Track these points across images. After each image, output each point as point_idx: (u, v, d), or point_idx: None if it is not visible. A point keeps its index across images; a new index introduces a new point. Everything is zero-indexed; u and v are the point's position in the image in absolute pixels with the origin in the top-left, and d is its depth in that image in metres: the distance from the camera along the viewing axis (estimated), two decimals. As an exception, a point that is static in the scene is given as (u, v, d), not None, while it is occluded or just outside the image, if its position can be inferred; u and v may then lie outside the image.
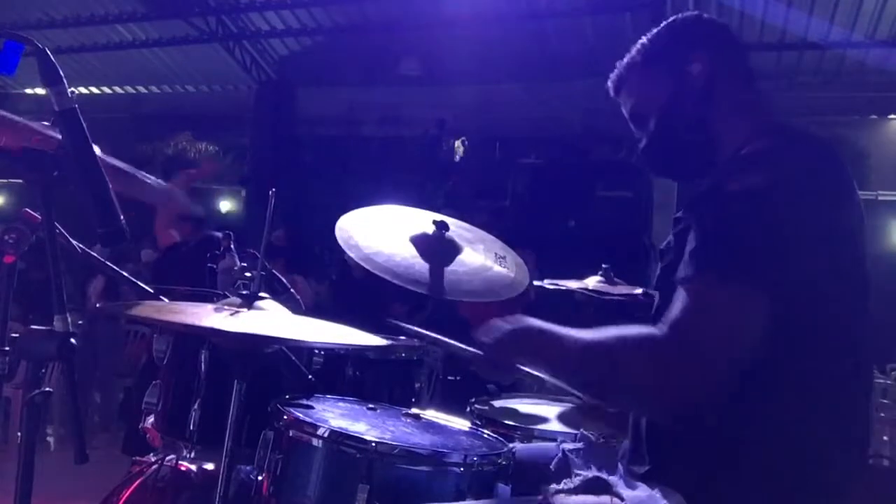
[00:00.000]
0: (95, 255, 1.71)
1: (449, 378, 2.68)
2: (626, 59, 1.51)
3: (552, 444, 1.56)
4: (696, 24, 1.50)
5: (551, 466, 1.46)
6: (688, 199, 1.33)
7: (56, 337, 1.13)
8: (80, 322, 5.79)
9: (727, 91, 1.39)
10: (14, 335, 1.15)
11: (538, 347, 1.35)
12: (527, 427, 1.91)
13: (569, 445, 1.50)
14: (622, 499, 1.19)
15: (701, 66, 1.40)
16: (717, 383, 1.12)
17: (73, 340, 1.14)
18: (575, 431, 1.67)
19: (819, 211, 1.17)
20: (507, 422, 1.95)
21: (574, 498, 1.24)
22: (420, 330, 1.80)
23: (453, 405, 2.07)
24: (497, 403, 2.19)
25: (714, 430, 1.17)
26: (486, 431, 1.74)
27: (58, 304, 1.15)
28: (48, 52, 1.03)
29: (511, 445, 1.64)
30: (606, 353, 1.22)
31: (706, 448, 1.19)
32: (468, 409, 2.07)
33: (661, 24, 1.51)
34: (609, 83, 1.55)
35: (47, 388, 1.15)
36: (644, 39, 1.50)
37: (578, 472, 1.32)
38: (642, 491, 1.22)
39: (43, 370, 1.19)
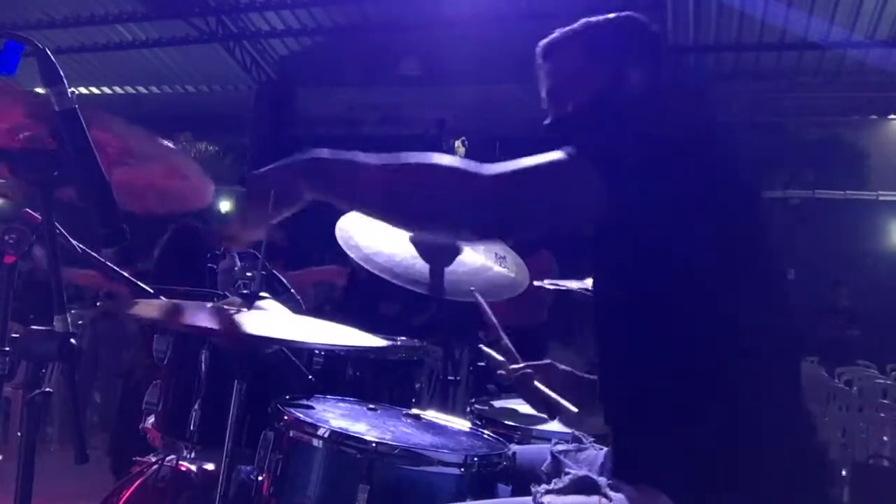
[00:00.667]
0: (95, 255, 1.71)
1: (449, 378, 2.68)
2: (566, 30, 1.49)
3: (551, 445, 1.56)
4: (647, 30, 1.47)
5: (542, 468, 1.46)
6: None
7: (56, 337, 1.13)
8: (79, 322, 5.79)
9: (653, 104, 1.38)
10: (14, 335, 1.15)
11: (317, 168, 1.36)
12: (527, 427, 1.91)
13: (560, 447, 1.51)
14: (610, 499, 1.19)
15: (640, 76, 1.39)
16: (520, 222, 1.20)
17: (73, 341, 1.14)
18: (571, 431, 1.67)
19: (697, 172, 1.18)
20: (507, 422, 1.94)
21: (563, 498, 1.24)
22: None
23: (453, 405, 2.07)
24: (497, 404, 2.19)
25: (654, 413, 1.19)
26: (486, 432, 1.74)
27: (58, 304, 1.15)
28: (48, 52, 1.03)
29: (511, 446, 1.64)
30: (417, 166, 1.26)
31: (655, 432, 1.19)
32: (468, 409, 2.07)
33: (614, 15, 1.47)
34: (540, 45, 1.52)
35: (47, 389, 1.15)
36: (593, 21, 1.47)
37: (568, 471, 1.32)
38: (629, 492, 1.22)
39: (43, 370, 1.19)
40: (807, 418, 1.23)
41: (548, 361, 1.68)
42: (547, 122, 1.48)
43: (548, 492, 1.26)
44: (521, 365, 1.62)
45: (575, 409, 1.49)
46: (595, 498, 1.21)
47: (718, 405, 1.14)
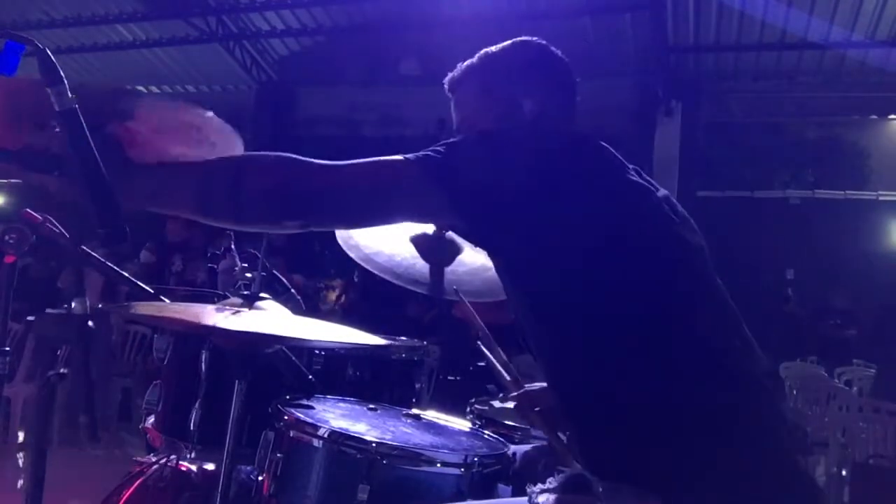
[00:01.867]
0: (95, 254, 1.71)
1: (449, 378, 2.69)
2: (466, 63, 1.53)
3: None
4: (543, 56, 1.49)
5: (539, 467, 1.46)
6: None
7: (74, 319, 1.13)
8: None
9: (548, 132, 1.40)
10: (29, 318, 1.16)
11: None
12: (527, 427, 1.92)
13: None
14: (601, 499, 1.19)
15: (533, 104, 1.41)
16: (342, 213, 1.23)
17: (90, 323, 1.14)
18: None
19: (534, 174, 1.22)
20: (507, 422, 1.95)
21: (558, 497, 1.24)
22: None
23: (453, 405, 2.07)
24: (497, 404, 2.19)
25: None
26: (486, 432, 1.74)
27: (76, 287, 1.15)
28: (48, 52, 1.03)
29: (511, 446, 1.64)
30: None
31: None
32: (468, 409, 2.07)
33: (510, 42, 1.50)
34: (446, 81, 1.57)
35: (63, 370, 1.15)
36: (491, 51, 1.50)
37: (563, 469, 1.33)
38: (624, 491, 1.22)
39: (58, 353, 1.20)
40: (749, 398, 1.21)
41: (544, 386, 1.68)
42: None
43: (542, 491, 1.26)
44: (520, 392, 1.62)
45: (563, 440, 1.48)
46: (587, 497, 1.21)
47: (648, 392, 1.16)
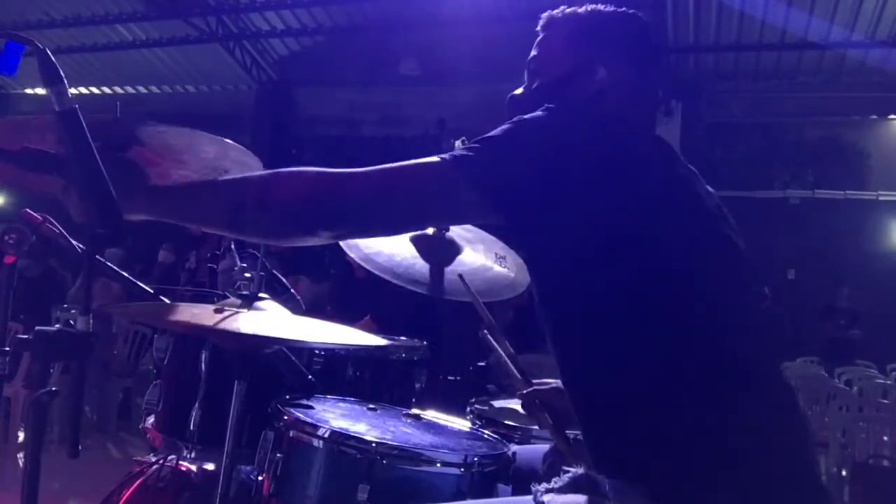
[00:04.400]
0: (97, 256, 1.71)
1: (449, 378, 2.69)
2: (571, 9, 1.46)
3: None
4: (642, 35, 1.44)
5: (542, 467, 1.46)
6: None
7: (77, 337, 1.13)
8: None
9: (605, 110, 1.35)
10: (22, 336, 1.15)
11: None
12: (527, 427, 1.91)
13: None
14: (609, 497, 1.19)
15: (607, 75, 1.35)
16: (377, 222, 1.20)
17: (91, 341, 1.14)
18: (574, 432, 1.66)
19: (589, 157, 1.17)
20: (507, 422, 1.94)
21: (563, 497, 1.24)
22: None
23: (453, 405, 2.07)
24: (497, 404, 2.19)
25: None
26: (486, 432, 1.74)
27: (84, 304, 1.15)
28: (48, 52, 1.03)
29: (511, 446, 1.64)
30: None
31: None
32: (468, 409, 2.07)
33: (619, 9, 1.44)
34: (544, 15, 1.50)
35: (53, 388, 1.15)
36: (598, 8, 1.44)
37: (568, 469, 1.32)
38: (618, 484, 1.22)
39: (51, 369, 1.19)
40: (785, 413, 1.19)
41: (556, 386, 1.66)
42: (517, 91, 1.46)
43: (548, 490, 1.26)
44: (530, 389, 1.61)
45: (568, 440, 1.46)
46: (595, 496, 1.21)
47: (673, 398, 1.13)
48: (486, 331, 1.72)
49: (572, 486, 1.24)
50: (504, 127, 1.20)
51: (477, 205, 1.16)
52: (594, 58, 1.37)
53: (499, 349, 1.69)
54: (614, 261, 1.15)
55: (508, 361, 1.66)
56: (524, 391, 1.59)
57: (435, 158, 1.18)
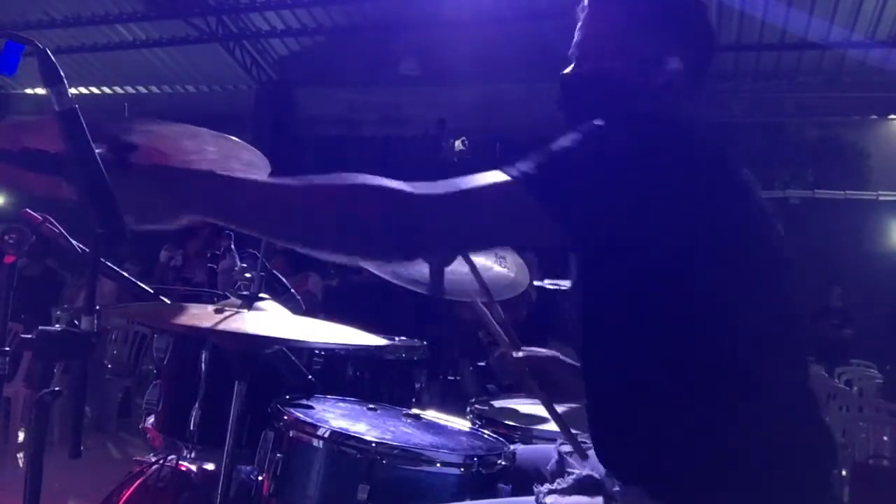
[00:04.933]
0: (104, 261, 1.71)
1: (449, 378, 2.69)
2: None
3: (552, 445, 1.55)
4: (707, 23, 1.36)
5: (547, 467, 1.46)
6: None
7: (80, 337, 1.13)
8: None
9: (670, 101, 1.30)
10: (25, 336, 1.15)
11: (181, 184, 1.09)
12: (527, 427, 1.91)
13: (565, 447, 1.50)
14: (615, 498, 1.19)
15: (677, 65, 1.27)
16: (444, 245, 1.15)
17: (94, 341, 1.14)
18: (574, 432, 1.66)
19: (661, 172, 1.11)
20: (507, 422, 1.94)
21: (567, 498, 1.23)
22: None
23: (453, 405, 2.07)
24: (497, 403, 2.19)
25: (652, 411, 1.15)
26: (486, 432, 1.74)
27: (88, 304, 1.15)
28: (48, 52, 1.03)
29: (511, 446, 1.64)
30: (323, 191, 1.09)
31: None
32: (468, 409, 2.07)
33: None
34: None
35: (56, 388, 1.15)
36: None
37: (572, 471, 1.32)
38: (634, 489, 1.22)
39: (55, 369, 1.19)
40: (812, 420, 1.19)
41: (553, 354, 1.63)
42: (563, 72, 1.35)
43: (551, 491, 1.25)
44: (525, 354, 1.58)
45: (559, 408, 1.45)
46: (599, 498, 1.21)
47: (714, 407, 1.12)
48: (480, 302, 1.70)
49: (577, 488, 1.24)
50: (578, 139, 1.11)
51: (548, 229, 1.09)
52: (662, 44, 1.28)
53: (489, 315, 1.66)
54: (684, 273, 1.10)
55: (499, 327, 1.62)
56: (517, 354, 1.56)
57: (505, 178, 1.10)
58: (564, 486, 1.25)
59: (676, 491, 1.11)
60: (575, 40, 1.37)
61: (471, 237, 1.16)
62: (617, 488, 1.18)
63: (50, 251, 5.67)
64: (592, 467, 1.41)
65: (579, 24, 1.36)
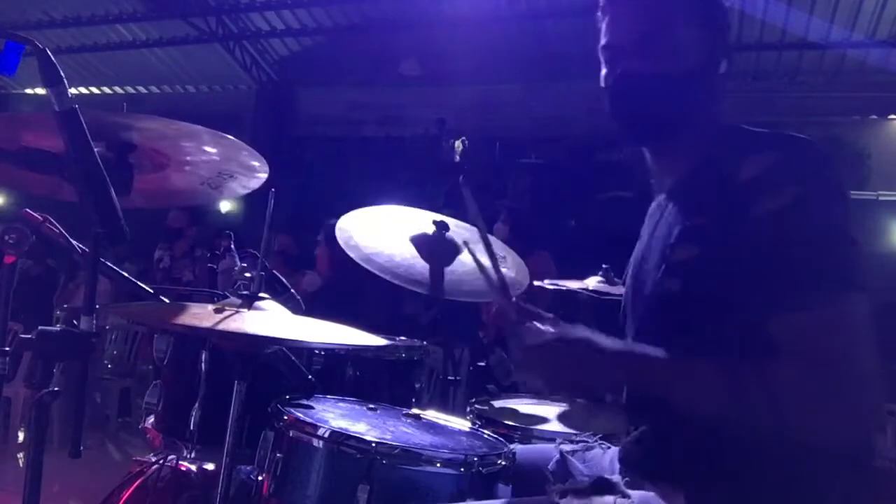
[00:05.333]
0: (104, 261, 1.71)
1: (449, 378, 2.68)
2: None
3: (552, 445, 1.55)
4: (728, 13, 1.34)
5: (549, 467, 1.45)
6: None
7: (80, 337, 1.13)
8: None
9: (719, 99, 1.31)
10: (25, 336, 1.15)
11: (605, 363, 1.18)
12: (527, 427, 1.91)
13: (567, 447, 1.50)
14: (629, 497, 1.19)
15: (725, 69, 1.29)
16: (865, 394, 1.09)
17: (93, 340, 1.14)
18: (575, 431, 1.67)
19: (846, 208, 1.17)
20: (507, 422, 1.94)
21: (582, 500, 1.23)
22: None
23: (453, 405, 2.07)
24: (497, 403, 2.19)
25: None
26: (486, 432, 1.74)
27: (88, 304, 1.15)
28: (48, 52, 1.03)
29: (511, 446, 1.64)
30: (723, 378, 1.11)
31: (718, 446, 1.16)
32: (468, 409, 2.07)
33: None
34: None
35: (55, 388, 1.15)
36: None
37: (579, 473, 1.32)
38: (648, 491, 1.22)
39: (54, 369, 1.19)
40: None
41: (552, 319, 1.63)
42: (619, 71, 1.29)
43: (563, 491, 1.25)
44: (512, 299, 1.51)
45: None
46: (611, 498, 1.21)
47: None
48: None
49: (592, 489, 1.23)
50: (824, 202, 1.14)
51: None
52: (718, 48, 1.27)
53: (482, 252, 1.59)
54: None
55: (491, 269, 1.53)
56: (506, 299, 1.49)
57: (854, 298, 1.17)
58: (578, 487, 1.25)
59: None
60: (608, 39, 1.31)
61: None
62: (632, 490, 1.19)
63: (51, 251, 5.67)
64: (594, 467, 1.41)
65: (610, 19, 1.31)
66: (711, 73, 1.27)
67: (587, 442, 1.54)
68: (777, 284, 1.10)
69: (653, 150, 1.38)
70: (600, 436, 1.57)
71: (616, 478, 1.24)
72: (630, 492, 1.21)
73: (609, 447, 1.51)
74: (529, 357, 1.25)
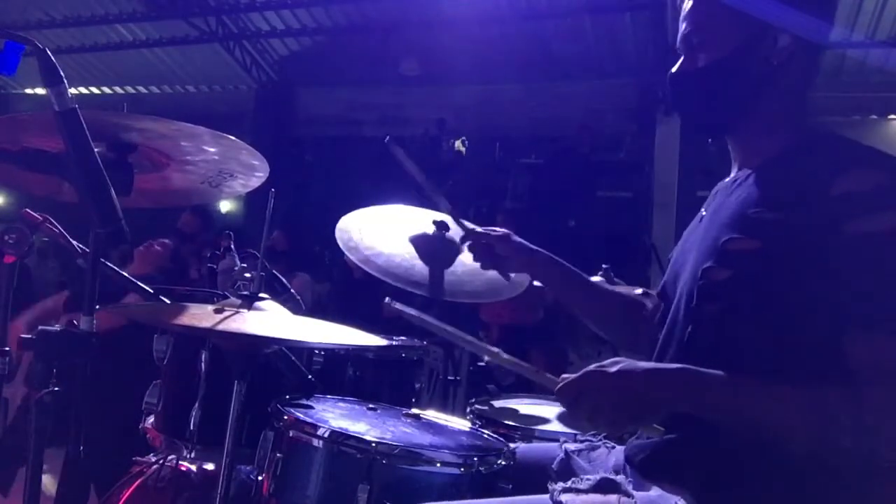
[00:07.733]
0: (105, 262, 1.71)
1: (449, 378, 2.69)
2: None
3: (553, 445, 1.55)
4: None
5: (553, 466, 1.45)
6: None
7: (80, 337, 1.13)
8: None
9: (794, 79, 1.28)
10: (25, 336, 1.15)
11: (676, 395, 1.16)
12: (527, 427, 1.91)
13: (571, 446, 1.50)
14: (631, 496, 1.19)
15: (789, 43, 1.25)
16: None
17: (94, 341, 1.14)
18: (575, 431, 1.66)
19: None
20: (507, 422, 1.94)
21: (584, 497, 1.23)
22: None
23: (453, 405, 2.07)
24: (497, 403, 2.19)
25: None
26: (486, 431, 1.74)
27: (88, 304, 1.15)
28: (48, 52, 1.03)
29: (512, 446, 1.64)
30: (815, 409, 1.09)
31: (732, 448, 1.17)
32: (468, 409, 2.07)
33: None
34: None
35: (55, 389, 1.15)
36: None
37: (583, 472, 1.31)
38: (653, 491, 1.22)
39: (53, 369, 1.20)
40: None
41: (505, 233, 1.74)
42: (672, 71, 1.35)
43: (565, 490, 1.24)
44: (479, 230, 1.69)
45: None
46: (614, 497, 1.20)
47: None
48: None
49: (595, 488, 1.23)
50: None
51: None
52: (767, 23, 1.25)
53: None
54: None
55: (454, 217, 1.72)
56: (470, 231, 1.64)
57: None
58: (581, 486, 1.25)
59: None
60: (681, 32, 1.34)
61: None
62: (637, 491, 1.19)
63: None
64: (599, 466, 1.41)
65: (683, 14, 1.34)
66: (757, 52, 1.26)
67: (592, 441, 1.53)
68: (866, 305, 1.09)
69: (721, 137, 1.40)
70: (604, 434, 1.56)
71: (620, 478, 1.24)
72: (635, 492, 1.20)
73: (614, 446, 1.50)
74: (573, 397, 1.19)
